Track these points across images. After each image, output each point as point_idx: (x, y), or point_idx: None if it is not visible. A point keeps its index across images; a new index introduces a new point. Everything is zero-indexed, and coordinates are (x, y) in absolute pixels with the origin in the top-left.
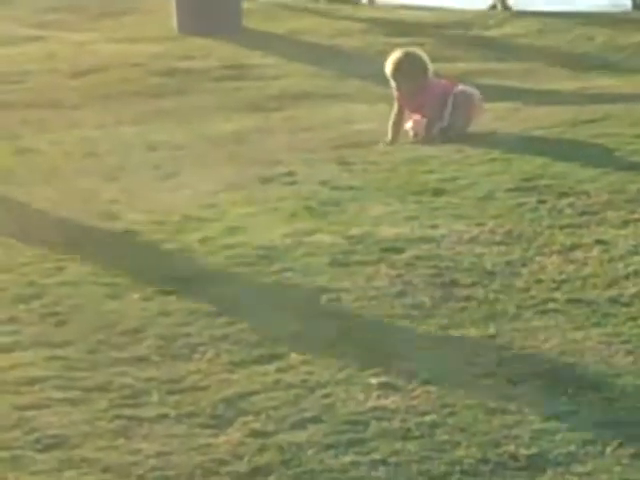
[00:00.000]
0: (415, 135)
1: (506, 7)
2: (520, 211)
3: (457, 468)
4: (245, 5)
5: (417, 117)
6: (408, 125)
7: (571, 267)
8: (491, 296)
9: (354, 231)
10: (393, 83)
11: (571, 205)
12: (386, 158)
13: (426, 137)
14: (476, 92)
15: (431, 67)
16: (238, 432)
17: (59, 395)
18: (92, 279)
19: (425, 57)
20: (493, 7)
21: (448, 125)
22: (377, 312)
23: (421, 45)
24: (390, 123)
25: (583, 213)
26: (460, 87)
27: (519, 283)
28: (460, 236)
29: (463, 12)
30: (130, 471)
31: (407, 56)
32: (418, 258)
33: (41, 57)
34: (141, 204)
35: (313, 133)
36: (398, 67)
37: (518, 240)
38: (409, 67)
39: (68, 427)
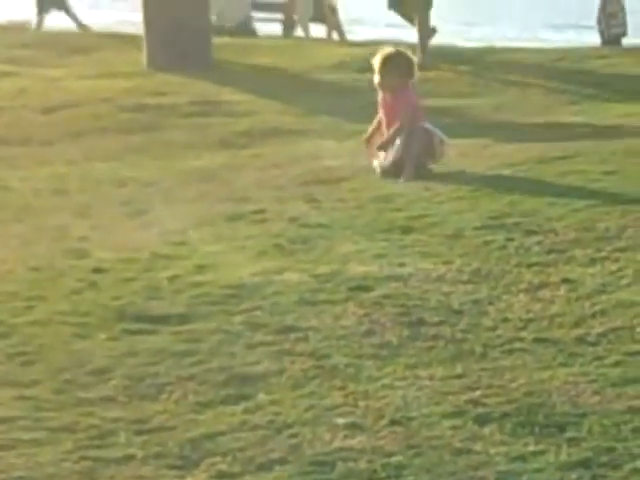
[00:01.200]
0: (382, 171)
1: None
2: (488, 249)
3: None
4: (215, 40)
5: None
6: (374, 163)
7: (538, 306)
8: (458, 335)
9: (322, 269)
10: (378, 77)
11: (539, 243)
12: (354, 195)
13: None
14: (437, 133)
15: (416, 74)
16: (205, 473)
17: (25, 436)
18: (60, 318)
19: (414, 61)
20: None
21: (399, 158)
22: (345, 351)
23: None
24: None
25: (551, 251)
26: (425, 124)
27: (486, 322)
28: (428, 274)
29: (433, 48)
30: None
31: (398, 52)
32: (386, 297)
33: (11, 93)
34: (110, 241)
35: (282, 169)
36: (388, 59)
37: (485, 278)
38: (398, 62)
39: (34, 469)
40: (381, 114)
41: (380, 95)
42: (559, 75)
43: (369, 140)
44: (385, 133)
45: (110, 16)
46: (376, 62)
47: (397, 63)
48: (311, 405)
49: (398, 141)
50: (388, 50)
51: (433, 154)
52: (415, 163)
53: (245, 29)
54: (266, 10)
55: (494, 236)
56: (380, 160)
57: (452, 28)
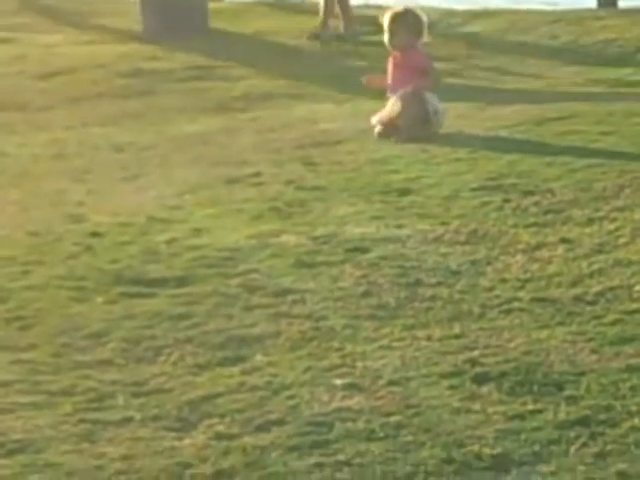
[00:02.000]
0: (382, 129)
1: None
2: (485, 210)
3: (422, 469)
4: (211, 5)
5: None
6: (374, 119)
7: (535, 266)
8: (456, 296)
9: (319, 231)
10: (387, 35)
11: (536, 204)
12: (351, 158)
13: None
14: (433, 102)
15: (426, 34)
16: (203, 435)
17: (23, 399)
18: (57, 283)
19: (424, 19)
20: None
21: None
22: (342, 313)
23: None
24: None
25: (548, 212)
26: (424, 92)
27: (484, 282)
28: (425, 236)
29: (425, 11)
30: (95, 475)
31: (407, 10)
32: (383, 258)
33: (8, 59)
34: (107, 206)
35: (278, 133)
36: (397, 17)
37: (483, 239)
38: (407, 20)
39: (32, 431)
40: (390, 71)
41: (390, 57)
42: (555, 37)
43: (370, 80)
44: (390, 89)
45: None
46: (385, 20)
47: (406, 21)
48: (308, 366)
49: (392, 100)
50: (397, 8)
51: (426, 124)
52: (407, 129)
53: None
54: None
55: (491, 197)
56: (378, 121)
57: None
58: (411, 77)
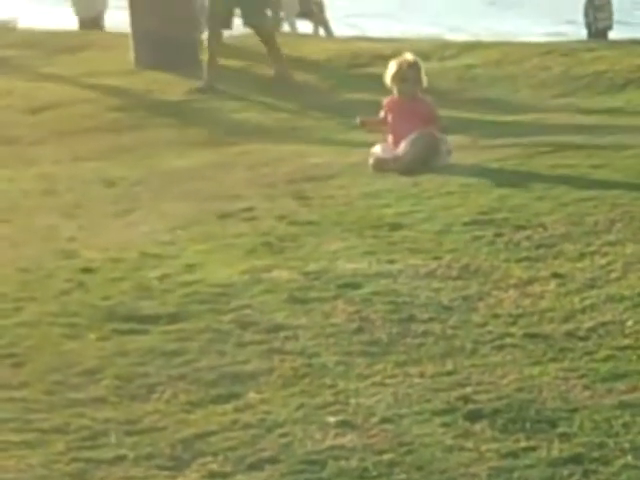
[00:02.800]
0: (377, 161)
1: None
2: (477, 245)
3: None
4: (203, 38)
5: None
6: (375, 149)
7: (528, 301)
8: (448, 332)
9: (311, 267)
10: (400, 82)
11: (528, 238)
12: (343, 192)
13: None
14: (446, 142)
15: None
16: (196, 473)
17: (16, 438)
18: (50, 319)
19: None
20: None
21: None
22: (334, 349)
23: (380, 77)
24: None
25: (540, 246)
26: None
27: (476, 318)
28: (417, 271)
29: (419, 43)
30: None
31: (418, 61)
32: (375, 294)
33: None
34: (99, 241)
35: (270, 167)
36: (414, 65)
37: (475, 274)
38: (419, 68)
39: (25, 471)
40: (391, 118)
41: (389, 99)
42: (546, 68)
43: (365, 123)
44: (392, 137)
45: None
46: (399, 66)
47: (418, 69)
48: (301, 403)
49: (405, 141)
50: (411, 56)
51: (436, 159)
52: (413, 159)
53: (96, 24)
54: None
55: (483, 231)
56: (379, 151)
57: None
58: (416, 124)
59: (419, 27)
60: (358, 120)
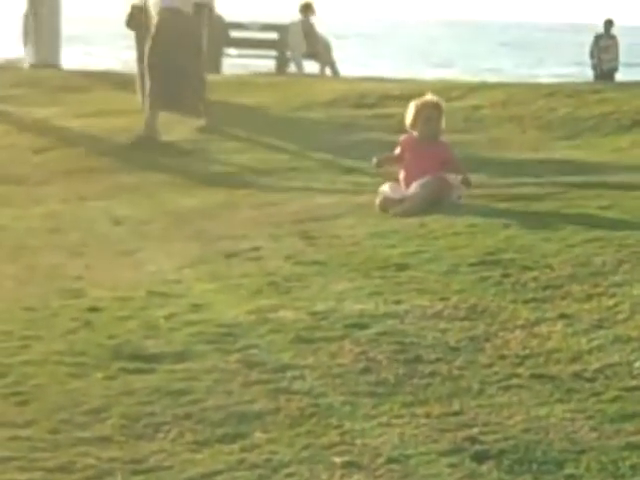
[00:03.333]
0: (385, 201)
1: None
2: (484, 285)
3: None
4: (209, 78)
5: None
6: (384, 187)
7: (535, 342)
8: (455, 372)
9: (318, 307)
10: (421, 123)
11: (535, 279)
12: (349, 232)
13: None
14: (458, 187)
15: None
16: None
17: (21, 477)
18: (56, 358)
19: None
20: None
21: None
22: (341, 390)
23: (387, 117)
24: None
25: (547, 287)
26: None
27: (483, 359)
28: (424, 311)
29: (427, 83)
30: None
31: (440, 102)
32: (382, 334)
33: (4, 132)
34: (105, 280)
35: (277, 207)
36: (438, 107)
37: (482, 315)
38: (442, 111)
39: None
40: (407, 157)
41: (408, 137)
42: (552, 109)
43: (382, 162)
44: (405, 175)
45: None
46: (422, 107)
47: (442, 111)
48: (308, 444)
49: (416, 183)
50: (434, 97)
51: (445, 202)
52: (421, 203)
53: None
54: (259, 47)
55: (490, 272)
56: (388, 190)
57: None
58: (433, 167)
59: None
60: (374, 160)
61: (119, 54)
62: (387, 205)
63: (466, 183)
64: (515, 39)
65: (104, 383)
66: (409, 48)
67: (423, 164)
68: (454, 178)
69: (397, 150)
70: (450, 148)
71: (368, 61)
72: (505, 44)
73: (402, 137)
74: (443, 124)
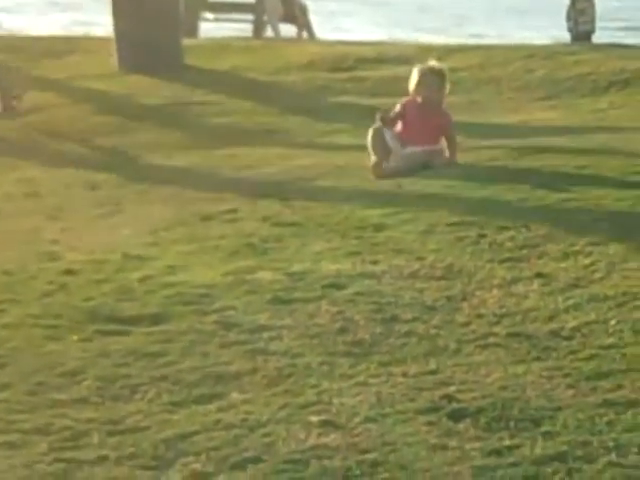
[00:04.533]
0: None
1: None
2: (460, 245)
3: None
4: (185, 42)
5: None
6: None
7: (511, 301)
8: (432, 331)
9: (295, 268)
10: (422, 90)
11: (511, 239)
12: (326, 194)
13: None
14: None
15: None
16: (179, 473)
17: None
18: (32, 321)
19: None
20: None
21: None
22: (318, 349)
23: (363, 80)
24: (373, 143)
25: (523, 246)
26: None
27: (459, 318)
28: (401, 271)
29: (404, 47)
30: None
31: (443, 69)
32: (359, 294)
33: None
34: (82, 244)
35: (255, 169)
36: (443, 74)
37: (458, 274)
38: (444, 78)
39: (7, 471)
40: (407, 117)
41: (411, 99)
42: (530, 71)
43: (385, 119)
44: (403, 137)
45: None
46: (427, 73)
47: (444, 78)
48: (284, 403)
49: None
50: (439, 64)
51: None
52: (407, 171)
53: None
54: (236, 11)
55: (467, 232)
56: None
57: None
58: (431, 135)
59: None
60: (378, 116)
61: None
62: (378, 167)
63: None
64: (521, 3)
65: (80, 345)
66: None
67: (421, 130)
68: (442, 149)
69: (397, 108)
70: (451, 120)
71: (353, 26)
72: (511, 9)
73: (405, 99)
74: (446, 91)
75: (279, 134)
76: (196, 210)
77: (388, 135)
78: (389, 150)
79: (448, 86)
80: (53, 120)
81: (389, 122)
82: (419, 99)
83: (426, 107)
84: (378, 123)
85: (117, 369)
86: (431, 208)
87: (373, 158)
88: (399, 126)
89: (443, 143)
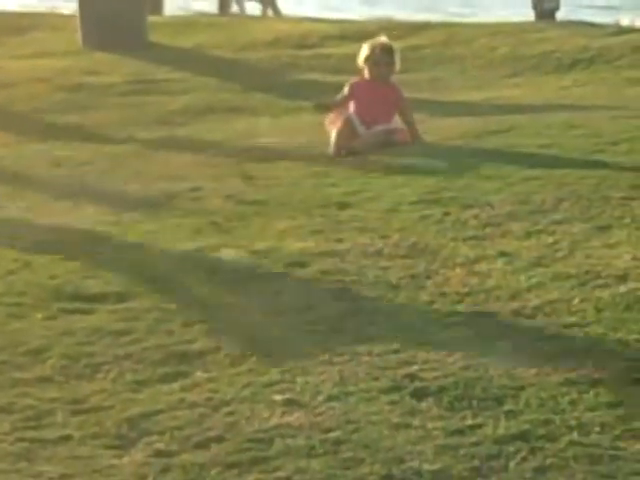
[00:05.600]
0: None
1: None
2: (424, 223)
3: None
4: (150, 19)
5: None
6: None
7: (475, 279)
8: (396, 310)
9: (259, 246)
10: (374, 65)
11: (475, 217)
12: (290, 172)
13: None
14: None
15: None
16: (142, 452)
17: None
18: None
19: None
20: None
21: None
22: (282, 327)
23: (327, 58)
24: (337, 133)
25: (487, 225)
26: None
27: (423, 296)
28: (365, 249)
29: (366, 23)
30: None
31: (392, 45)
32: (323, 272)
33: None
34: (46, 222)
35: (218, 148)
36: (390, 49)
37: (422, 253)
38: (393, 54)
39: None
40: (358, 100)
41: (359, 80)
42: (493, 49)
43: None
44: (359, 119)
45: None
46: (372, 49)
47: (393, 54)
48: (248, 382)
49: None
50: (385, 39)
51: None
52: (369, 149)
53: None
54: None
55: (431, 210)
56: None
57: None
58: (385, 110)
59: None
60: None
61: None
62: (341, 143)
63: (416, 138)
64: None
65: (44, 324)
66: None
67: (375, 106)
68: (402, 127)
69: (345, 91)
70: (400, 89)
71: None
72: None
73: (353, 80)
74: (397, 67)
75: (243, 111)
76: (159, 189)
77: (356, 121)
78: (357, 136)
79: (398, 62)
80: (16, 97)
81: (328, 108)
82: (367, 76)
83: (376, 84)
84: (347, 113)
85: (81, 347)
86: (395, 187)
87: (334, 146)
88: (352, 108)
89: (401, 121)
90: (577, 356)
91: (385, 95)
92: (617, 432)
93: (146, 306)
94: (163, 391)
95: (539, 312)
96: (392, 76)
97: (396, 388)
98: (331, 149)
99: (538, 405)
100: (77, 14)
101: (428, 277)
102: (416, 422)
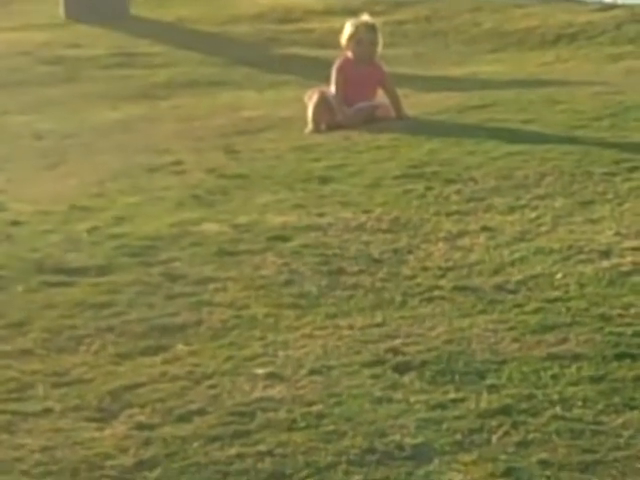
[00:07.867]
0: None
1: None
2: (407, 198)
3: (343, 458)
4: None
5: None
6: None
7: (457, 254)
8: (378, 284)
9: (241, 219)
10: (358, 45)
11: (458, 192)
12: (273, 146)
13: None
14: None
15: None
16: (123, 425)
17: None
18: None
19: None
20: None
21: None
22: (264, 301)
23: (310, 32)
24: (313, 109)
25: (470, 200)
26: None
27: (406, 271)
28: (347, 224)
29: None
30: (13, 466)
31: (375, 24)
32: (305, 246)
33: None
34: (28, 194)
35: (201, 121)
36: (374, 28)
37: (405, 227)
38: (376, 33)
39: None
40: (346, 80)
41: (343, 60)
42: (477, 24)
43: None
44: (345, 99)
45: None
46: (355, 28)
47: (376, 32)
48: (230, 355)
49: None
50: (369, 18)
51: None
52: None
53: None
54: None
55: (413, 185)
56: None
57: None
58: (369, 89)
59: None
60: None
61: None
62: (318, 119)
63: (400, 113)
64: None
65: (26, 296)
66: None
67: (360, 86)
68: (386, 103)
69: (334, 77)
70: (385, 72)
71: None
72: None
73: (338, 62)
74: (379, 46)
75: (226, 85)
76: (142, 161)
77: (334, 100)
78: (332, 110)
79: (381, 40)
80: None
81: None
82: (350, 55)
83: (359, 62)
84: (322, 88)
85: (63, 320)
86: (377, 161)
87: (312, 122)
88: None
89: (384, 97)
90: (560, 331)
91: (370, 75)
92: (599, 407)
93: (128, 279)
94: (145, 364)
95: (522, 287)
96: (376, 55)
97: (378, 362)
98: (309, 126)
99: (520, 379)
100: None
101: (410, 252)
102: (398, 396)
